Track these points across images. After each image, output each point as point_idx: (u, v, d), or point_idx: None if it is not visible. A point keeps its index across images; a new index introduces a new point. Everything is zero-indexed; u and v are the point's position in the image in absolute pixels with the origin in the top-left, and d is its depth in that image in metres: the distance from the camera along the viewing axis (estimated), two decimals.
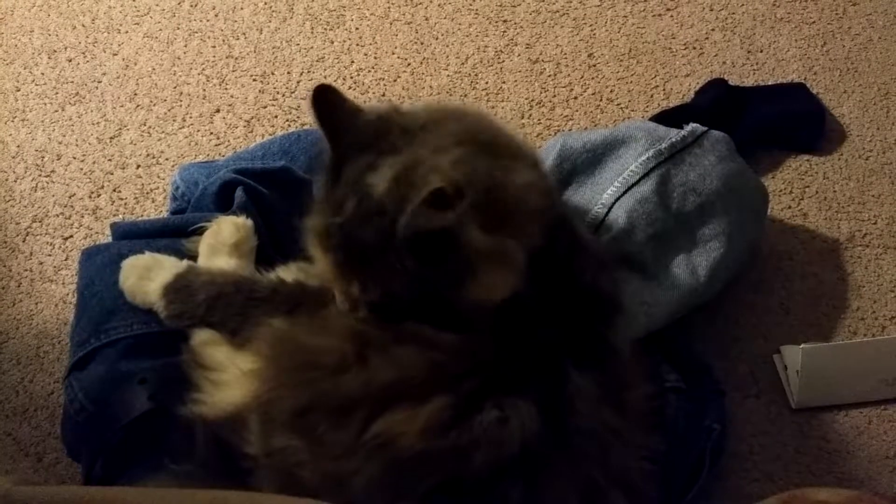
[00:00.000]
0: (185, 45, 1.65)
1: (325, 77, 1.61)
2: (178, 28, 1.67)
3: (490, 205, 0.92)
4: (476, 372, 0.91)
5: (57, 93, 1.59)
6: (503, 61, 1.65)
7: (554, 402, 0.92)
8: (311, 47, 1.65)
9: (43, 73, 1.61)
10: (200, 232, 1.16)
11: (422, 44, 1.67)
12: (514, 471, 0.90)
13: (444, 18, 1.70)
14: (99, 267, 1.17)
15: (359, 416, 0.91)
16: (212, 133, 1.55)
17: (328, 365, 0.94)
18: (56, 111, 1.56)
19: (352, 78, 1.62)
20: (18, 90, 1.59)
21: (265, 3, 1.70)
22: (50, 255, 1.41)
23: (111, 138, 1.54)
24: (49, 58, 1.63)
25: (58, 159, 1.51)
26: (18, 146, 1.53)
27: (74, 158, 1.51)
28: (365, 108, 1.00)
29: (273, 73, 1.62)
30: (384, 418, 0.90)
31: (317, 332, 0.96)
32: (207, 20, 1.68)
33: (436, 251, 0.91)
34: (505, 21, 1.70)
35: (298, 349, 0.97)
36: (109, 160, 1.51)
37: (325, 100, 0.97)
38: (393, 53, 1.65)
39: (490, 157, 0.95)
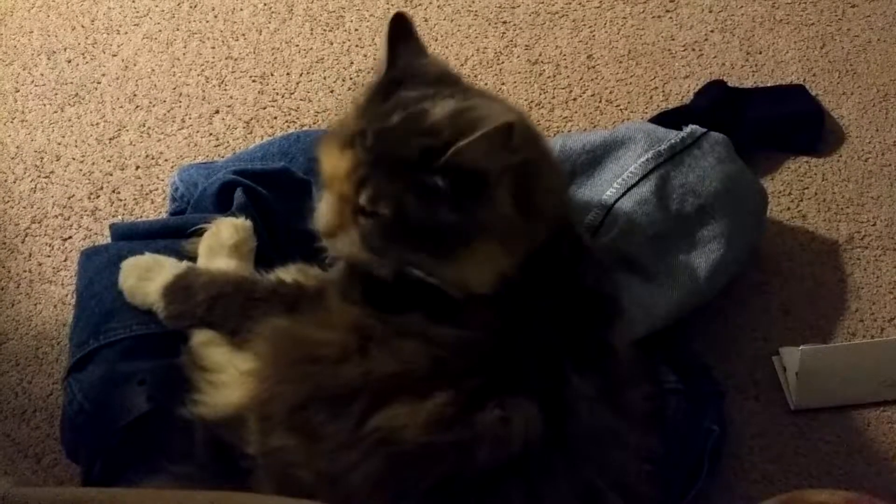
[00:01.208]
0: (185, 47, 1.65)
1: (324, 78, 1.61)
2: (178, 29, 1.67)
3: (524, 183, 0.94)
4: (478, 370, 0.91)
5: (56, 94, 1.59)
6: (502, 62, 1.65)
7: (554, 403, 0.92)
8: (311, 48, 1.65)
9: (42, 74, 1.61)
10: (200, 233, 1.16)
11: None
12: (515, 471, 0.90)
13: (444, 20, 1.70)
14: (98, 268, 1.17)
15: (358, 407, 0.91)
16: (211, 134, 1.55)
17: (328, 357, 0.94)
18: (55, 112, 1.56)
19: (351, 79, 1.62)
20: (18, 91, 1.59)
21: (264, 5, 1.70)
22: (49, 256, 1.41)
23: (110, 139, 1.54)
24: (48, 59, 1.63)
25: (57, 160, 1.51)
26: (17, 147, 1.53)
27: (73, 159, 1.51)
28: (431, 56, 1.04)
29: (272, 75, 1.62)
30: (384, 412, 0.90)
31: (318, 326, 0.96)
32: (207, 21, 1.68)
33: (471, 186, 0.91)
34: (504, 22, 1.70)
35: (298, 343, 0.97)
36: (109, 161, 1.51)
37: (401, 27, 1.00)
38: None
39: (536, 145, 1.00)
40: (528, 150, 0.96)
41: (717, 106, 1.54)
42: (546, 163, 1.02)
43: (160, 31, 1.67)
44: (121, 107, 1.57)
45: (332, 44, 1.66)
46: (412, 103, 0.94)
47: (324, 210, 0.97)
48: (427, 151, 0.90)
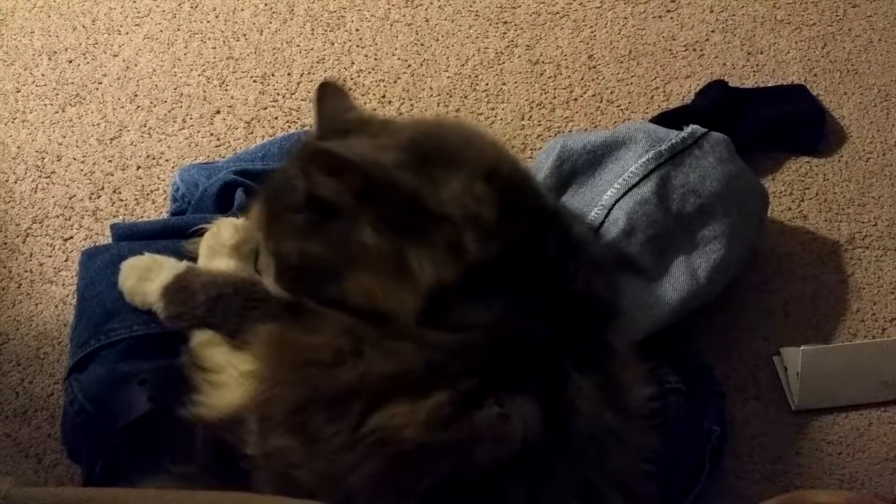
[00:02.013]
0: (186, 47, 1.65)
1: (325, 78, 1.61)
2: (179, 29, 1.67)
3: (394, 204, 0.93)
4: (475, 371, 0.91)
5: (57, 94, 1.59)
6: (503, 63, 1.65)
7: (554, 401, 0.92)
8: (312, 49, 1.65)
9: (43, 75, 1.61)
10: (200, 233, 1.16)
11: (422, 45, 1.67)
12: (514, 470, 0.90)
13: (445, 20, 1.70)
14: (99, 268, 1.17)
15: (356, 408, 0.91)
16: (212, 134, 1.55)
17: (323, 361, 0.94)
18: (56, 112, 1.56)
19: (352, 79, 1.62)
20: (19, 91, 1.59)
21: (266, 5, 1.70)
22: (50, 257, 1.41)
23: (111, 139, 1.54)
24: (49, 59, 1.63)
25: (58, 160, 1.51)
26: (19, 147, 1.53)
27: (74, 160, 1.51)
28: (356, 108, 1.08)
29: (273, 75, 1.62)
30: (382, 412, 0.90)
31: (312, 329, 0.96)
32: (208, 21, 1.68)
33: (319, 215, 0.94)
34: (505, 23, 1.70)
35: (295, 347, 0.97)
36: (110, 161, 1.51)
37: (325, 93, 1.05)
38: (393, 55, 1.65)
39: (424, 164, 0.96)
40: (388, 168, 0.94)
41: (718, 106, 1.54)
42: (443, 171, 0.96)
43: (161, 31, 1.67)
44: (122, 107, 1.57)
45: (333, 44, 1.66)
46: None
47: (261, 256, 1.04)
48: (292, 191, 0.96)
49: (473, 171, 0.96)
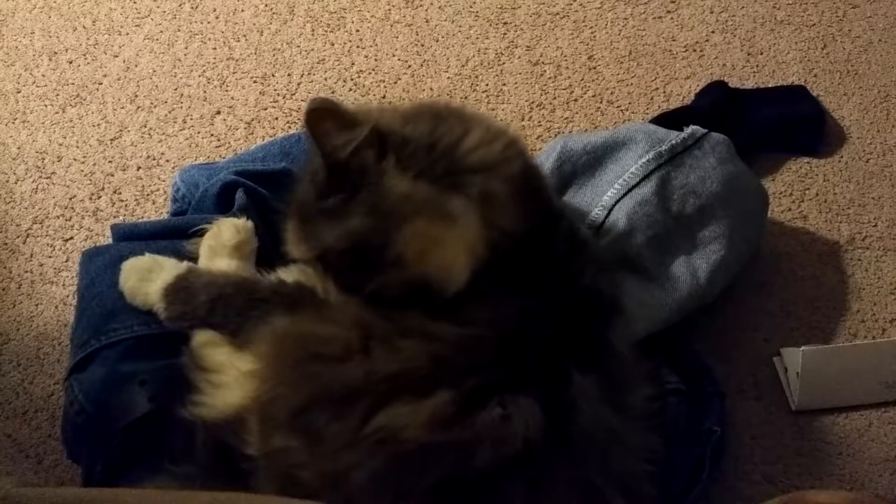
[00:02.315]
0: (186, 47, 1.65)
1: (325, 79, 1.61)
2: (179, 30, 1.67)
3: (415, 152, 0.93)
4: (479, 368, 0.91)
5: (58, 94, 1.59)
6: (503, 63, 1.65)
7: (556, 401, 0.92)
8: (312, 49, 1.65)
9: (44, 75, 1.61)
10: (201, 233, 1.16)
11: (422, 46, 1.67)
12: (516, 470, 0.90)
13: (445, 21, 1.70)
14: (99, 268, 1.17)
15: (360, 408, 0.91)
16: (212, 135, 1.55)
17: (331, 354, 0.94)
18: (57, 113, 1.57)
19: (352, 80, 1.62)
20: (19, 92, 1.59)
21: (266, 5, 1.71)
22: (50, 257, 1.41)
23: (112, 140, 1.54)
24: (50, 59, 1.63)
25: (58, 161, 1.51)
26: (19, 148, 1.53)
27: (75, 160, 1.51)
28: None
29: (274, 75, 1.62)
30: (386, 411, 0.90)
31: (320, 320, 0.96)
32: (208, 22, 1.68)
33: (348, 190, 0.93)
34: (505, 23, 1.70)
35: (300, 341, 0.97)
36: (110, 162, 1.51)
37: (317, 117, 1.00)
38: (393, 55, 1.65)
39: (436, 122, 0.96)
40: (406, 122, 0.95)
41: (718, 107, 1.54)
42: (460, 123, 0.97)
43: (161, 31, 1.67)
44: (122, 107, 1.57)
45: (333, 45, 1.66)
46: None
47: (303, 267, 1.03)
48: (315, 185, 0.96)
49: (492, 130, 0.97)
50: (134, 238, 1.23)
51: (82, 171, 1.50)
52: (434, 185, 0.93)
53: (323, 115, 0.91)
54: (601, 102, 1.61)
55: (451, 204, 0.92)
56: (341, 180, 0.93)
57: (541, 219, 0.98)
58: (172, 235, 1.20)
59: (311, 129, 0.92)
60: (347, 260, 0.97)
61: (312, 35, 1.67)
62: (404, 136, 0.92)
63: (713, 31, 1.70)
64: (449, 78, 1.63)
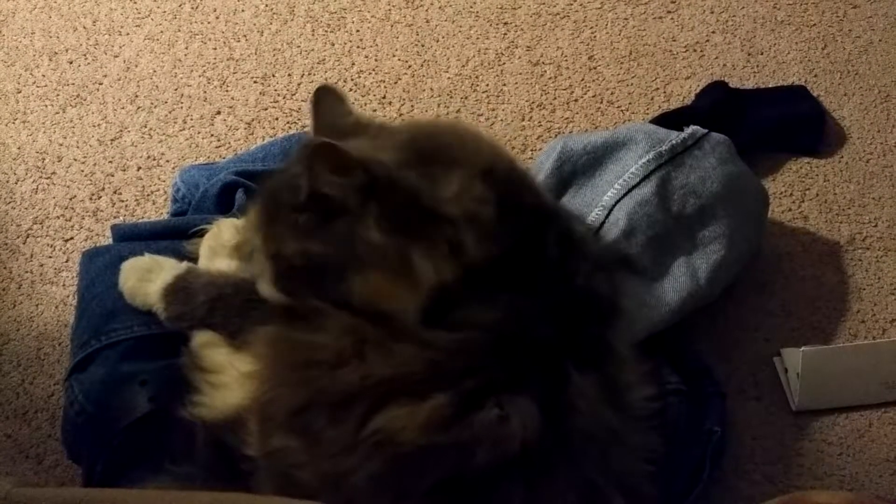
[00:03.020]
0: (186, 48, 1.65)
1: (326, 79, 1.61)
2: (179, 30, 1.67)
3: (397, 203, 0.93)
4: (475, 370, 0.91)
5: (58, 95, 1.59)
6: (504, 64, 1.65)
7: (554, 401, 0.92)
8: (312, 49, 1.65)
9: (44, 75, 1.61)
10: (201, 234, 1.16)
11: (422, 46, 1.67)
12: (514, 471, 0.90)
13: (445, 21, 1.70)
14: (99, 269, 1.17)
15: (357, 411, 0.91)
16: (212, 135, 1.55)
17: (326, 361, 0.94)
18: (57, 113, 1.57)
19: (352, 80, 1.62)
20: (19, 92, 1.59)
21: (266, 6, 1.71)
22: (50, 257, 1.41)
23: (112, 140, 1.54)
24: (50, 60, 1.63)
25: (58, 161, 1.51)
26: (19, 148, 1.53)
27: (75, 160, 1.51)
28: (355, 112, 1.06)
29: (274, 76, 1.62)
30: (383, 414, 0.90)
31: (314, 329, 0.96)
32: (208, 22, 1.68)
33: (322, 214, 0.94)
34: (505, 23, 1.70)
35: (296, 347, 0.97)
36: (110, 162, 1.51)
37: (322, 97, 1.04)
38: (394, 56, 1.65)
39: (423, 163, 0.96)
40: (394, 169, 0.94)
41: (718, 107, 1.54)
42: (442, 169, 0.97)
43: (162, 32, 1.67)
44: (122, 108, 1.57)
45: (333, 45, 1.66)
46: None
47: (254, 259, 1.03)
48: (294, 191, 0.95)
49: (471, 170, 0.97)
50: (134, 238, 1.23)
51: (82, 171, 1.50)
52: (405, 237, 0.93)
53: (323, 153, 0.92)
54: (601, 103, 1.61)
55: (414, 258, 0.93)
56: (318, 205, 0.94)
57: (529, 223, 0.98)
58: (172, 236, 1.20)
59: (309, 161, 0.93)
60: (296, 270, 0.97)
61: (313, 35, 1.67)
62: (392, 182, 0.93)
63: (713, 32, 1.70)
64: (449, 78, 1.63)
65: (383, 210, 0.93)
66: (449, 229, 0.93)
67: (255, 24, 1.68)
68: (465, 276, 0.93)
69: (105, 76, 1.61)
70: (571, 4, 1.73)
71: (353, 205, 0.93)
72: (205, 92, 1.60)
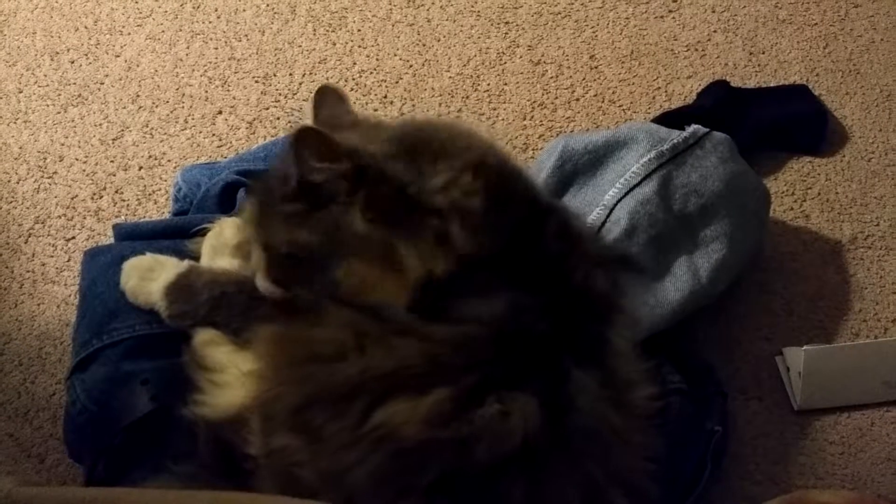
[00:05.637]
0: (188, 47, 1.65)
1: (327, 79, 1.61)
2: (181, 30, 1.67)
3: (384, 193, 0.93)
4: (476, 367, 0.91)
5: (59, 94, 1.59)
6: (505, 63, 1.65)
7: (555, 399, 0.92)
8: (313, 49, 1.66)
9: (45, 75, 1.61)
10: (203, 233, 1.16)
11: (424, 45, 1.67)
12: (515, 467, 0.90)
13: (446, 20, 1.70)
14: (101, 268, 1.17)
15: (358, 405, 0.91)
16: (214, 134, 1.55)
17: (326, 355, 0.94)
18: (58, 113, 1.57)
19: (354, 80, 1.62)
20: (21, 92, 1.59)
21: (267, 5, 1.71)
22: (52, 257, 1.41)
23: (113, 140, 1.54)
24: (52, 59, 1.63)
25: (60, 161, 1.51)
26: (21, 148, 1.53)
27: (77, 160, 1.51)
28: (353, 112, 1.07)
29: (275, 75, 1.62)
30: (384, 408, 0.90)
31: (314, 324, 0.96)
32: (210, 22, 1.68)
33: (310, 203, 0.94)
34: (507, 23, 1.70)
35: (296, 344, 0.97)
36: (112, 162, 1.51)
37: (323, 97, 1.04)
38: (395, 55, 1.65)
39: (412, 156, 0.96)
40: (379, 159, 0.94)
41: (719, 106, 1.54)
42: (430, 164, 0.97)
43: (163, 31, 1.67)
44: (124, 107, 1.57)
45: (334, 44, 1.66)
46: None
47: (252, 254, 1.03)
48: (285, 181, 0.96)
49: (460, 162, 0.97)
50: (136, 238, 1.23)
51: (84, 170, 1.50)
52: (391, 228, 0.93)
53: (309, 140, 0.92)
54: (603, 102, 1.61)
55: (399, 248, 0.93)
56: (307, 195, 0.95)
57: (522, 217, 0.98)
58: (174, 235, 1.20)
59: (295, 148, 0.93)
60: (288, 261, 0.98)
61: (314, 35, 1.67)
62: (381, 172, 0.93)
63: (715, 31, 1.70)
64: (450, 77, 1.63)
65: (369, 200, 0.93)
66: (435, 220, 0.93)
67: (256, 24, 1.68)
68: (460, 270, 0.93)
69: (107, 76, 1.61)
70: (573, 4, 1.73)
71: (339, 193, 0.93)
72: (206, 91, 1.60)
